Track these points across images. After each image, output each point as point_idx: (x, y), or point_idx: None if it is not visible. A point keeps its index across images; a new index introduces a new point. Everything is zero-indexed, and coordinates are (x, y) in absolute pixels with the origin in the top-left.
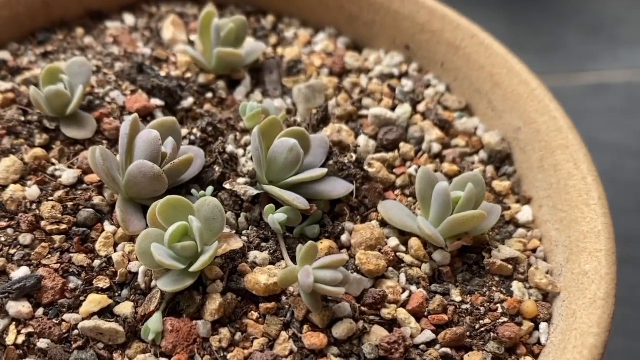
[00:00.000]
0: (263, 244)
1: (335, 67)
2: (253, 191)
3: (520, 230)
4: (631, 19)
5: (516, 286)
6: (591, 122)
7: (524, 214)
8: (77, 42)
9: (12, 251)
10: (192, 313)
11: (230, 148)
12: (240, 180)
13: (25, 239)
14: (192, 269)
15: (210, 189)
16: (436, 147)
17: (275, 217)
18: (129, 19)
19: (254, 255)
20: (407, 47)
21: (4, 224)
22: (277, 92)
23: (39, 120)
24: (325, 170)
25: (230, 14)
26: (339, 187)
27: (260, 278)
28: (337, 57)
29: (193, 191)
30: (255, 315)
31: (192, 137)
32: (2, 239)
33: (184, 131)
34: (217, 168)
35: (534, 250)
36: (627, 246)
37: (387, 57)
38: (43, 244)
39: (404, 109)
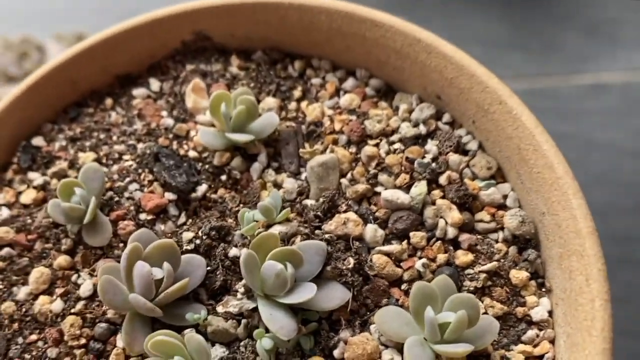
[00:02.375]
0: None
1: (353, 136)
2: (248, 305)
3: (531, 333)
4: (630, 20)
5: None
6: (589, 122)
7: (539, 310)
8: (105, 119)
9: None
10: None
11: (233, 251)
12: (242, 288)
13: (52, 352)
14: None
15: (204, 312)
16: (452, 232)
17: (262, 344)
18: (155, 83)
19: None
20: (439, 97)
21: (34, 337)
22: (292, 165)
23: (65, 224)
24: (312, 295)
25: (256, 66)
26: (335, 298)
27: None
28: (356, 123)
29: (188, 315)
30: None
31: (198, 241)
32: (34, 353)
33: (190, 235)
34: (219, 275)
35: (542, 357)
36: (626, 246)
37: (417, 109)
38: (66, 359)
39: (420, 189)
